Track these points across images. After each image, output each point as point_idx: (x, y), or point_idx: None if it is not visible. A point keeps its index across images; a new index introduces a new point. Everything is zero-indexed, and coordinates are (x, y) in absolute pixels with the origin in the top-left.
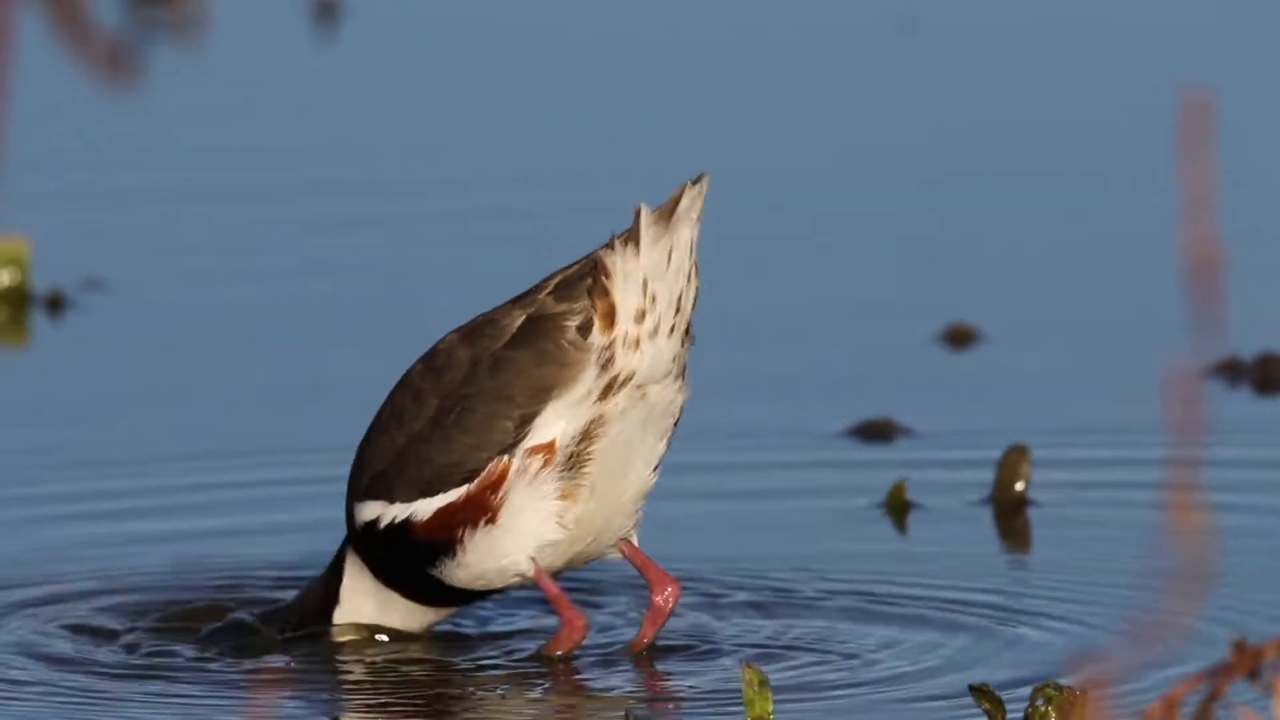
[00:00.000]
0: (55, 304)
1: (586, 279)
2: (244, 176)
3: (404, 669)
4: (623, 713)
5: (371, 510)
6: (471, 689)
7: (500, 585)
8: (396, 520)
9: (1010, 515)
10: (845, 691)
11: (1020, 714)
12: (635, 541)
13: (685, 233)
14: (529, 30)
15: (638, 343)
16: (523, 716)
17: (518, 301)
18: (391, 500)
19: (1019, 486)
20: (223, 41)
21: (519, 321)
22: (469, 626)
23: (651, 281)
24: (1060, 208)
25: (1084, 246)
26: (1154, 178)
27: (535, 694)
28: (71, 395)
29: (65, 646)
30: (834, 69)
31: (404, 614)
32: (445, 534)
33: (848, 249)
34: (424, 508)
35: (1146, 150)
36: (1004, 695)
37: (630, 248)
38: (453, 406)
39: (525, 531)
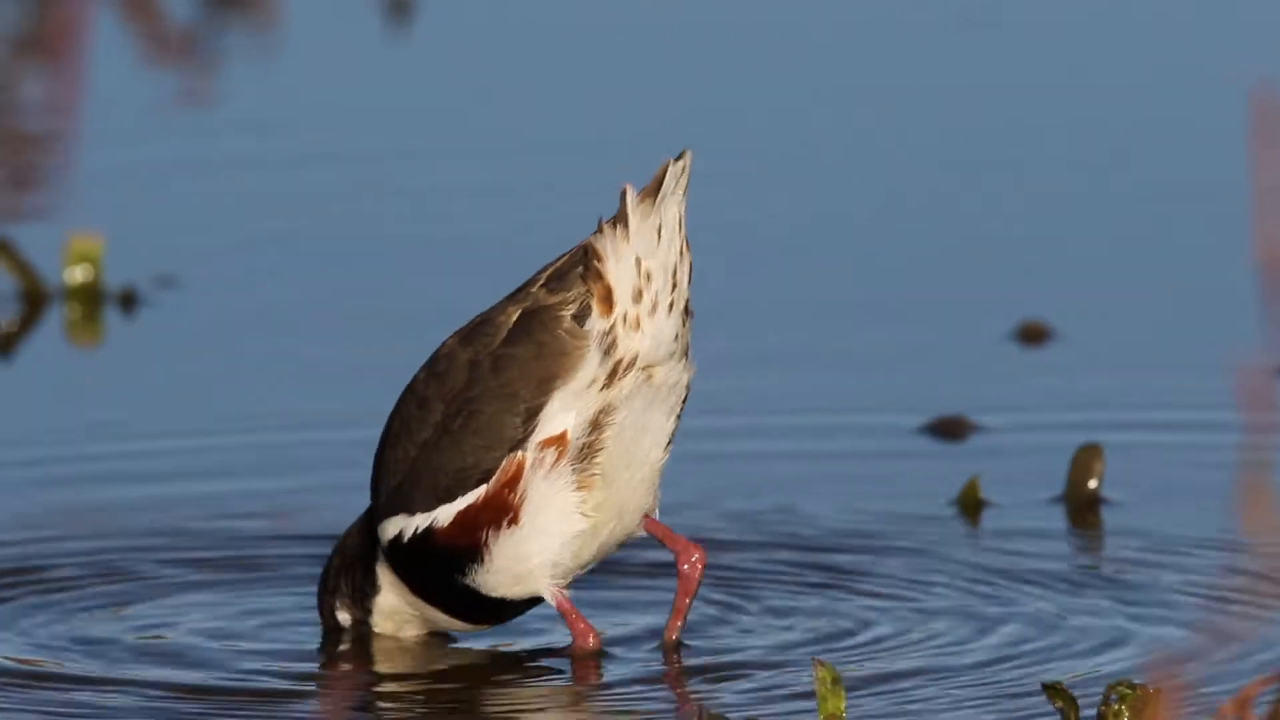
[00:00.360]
0: (128, 301)
1: (578, 267)
2: (316, 174)
3: (435, 690)
4: (696, 710)
5: (394, 526)
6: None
7: (534, 589)
8: (419, 531)
9: (1083, 513)
10: (916, 689)
11: (1093, 712)
12: (655, 514)
13: (673, 209)
14: (601, 29)
15: (638, 323)
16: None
17: (512, 298)
18: (411, 512)
19: (1092, 484)
20: (296, 39)
21: (514, 317)
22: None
23: (645, 259)
24: (1133, 204)
25: (1157, 243)
26: (1227, 175)
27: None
28: (143, 391)
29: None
30: (905, 63)
31: (444, 624)
32: (469, 538)
33: (921, 246)
34: (444, 514)
35: (1220, 147)
36: (1077, 693)
37: (620, 229)
38: (459, 410)
39: (548, 527)
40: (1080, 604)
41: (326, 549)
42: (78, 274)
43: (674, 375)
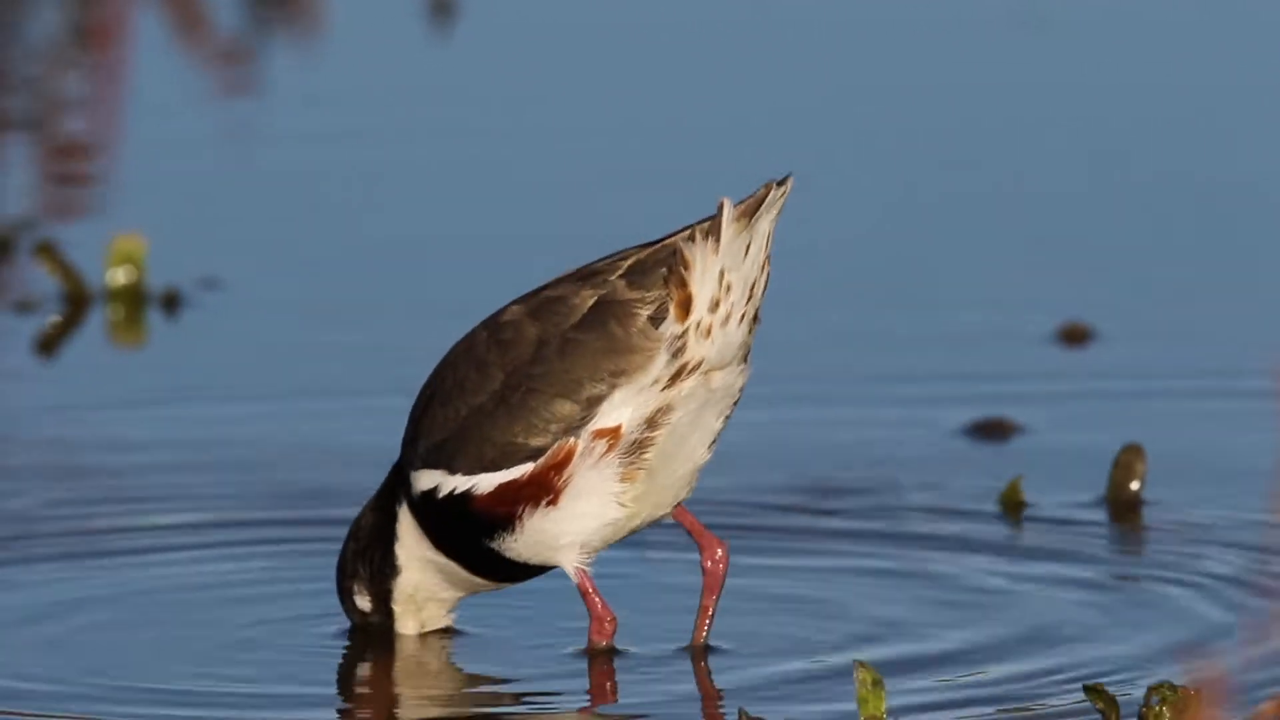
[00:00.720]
0: (171, 302)
1: (661, 267)
2: (360, 175)
3: (457, 682)
4: (736, 710)
5: (430, 479)
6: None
7: (558, 563)
8: (456, 491)
9: (1125, 514)
10: (956, 689)
11: (1135, 713)
12: (685, 507)
13: (764, 226)
14: (641, 27)
15: (709, 331)
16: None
17: (587, 280)
18: (452, 471)
19: (1134, 485)
20: (339, 40)
21: (589, 303)
22: (505, 633)
23: (729, 272)
24: (1176, 206)
25: (1200, 245)
26: (1273, 173)
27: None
28: (187, 392)
29: None
30: (960, 64)
31: (462, 583)
32: (505, 509)
33: (964, 247)
34: (485, 482)
35: (1268, 146)
36: (1118, 694)
37: (711, 241)
38: (519, 384)
39: (585, 512)
40: (1121, 605)
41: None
42: (120, 275)
43: (732, 379)
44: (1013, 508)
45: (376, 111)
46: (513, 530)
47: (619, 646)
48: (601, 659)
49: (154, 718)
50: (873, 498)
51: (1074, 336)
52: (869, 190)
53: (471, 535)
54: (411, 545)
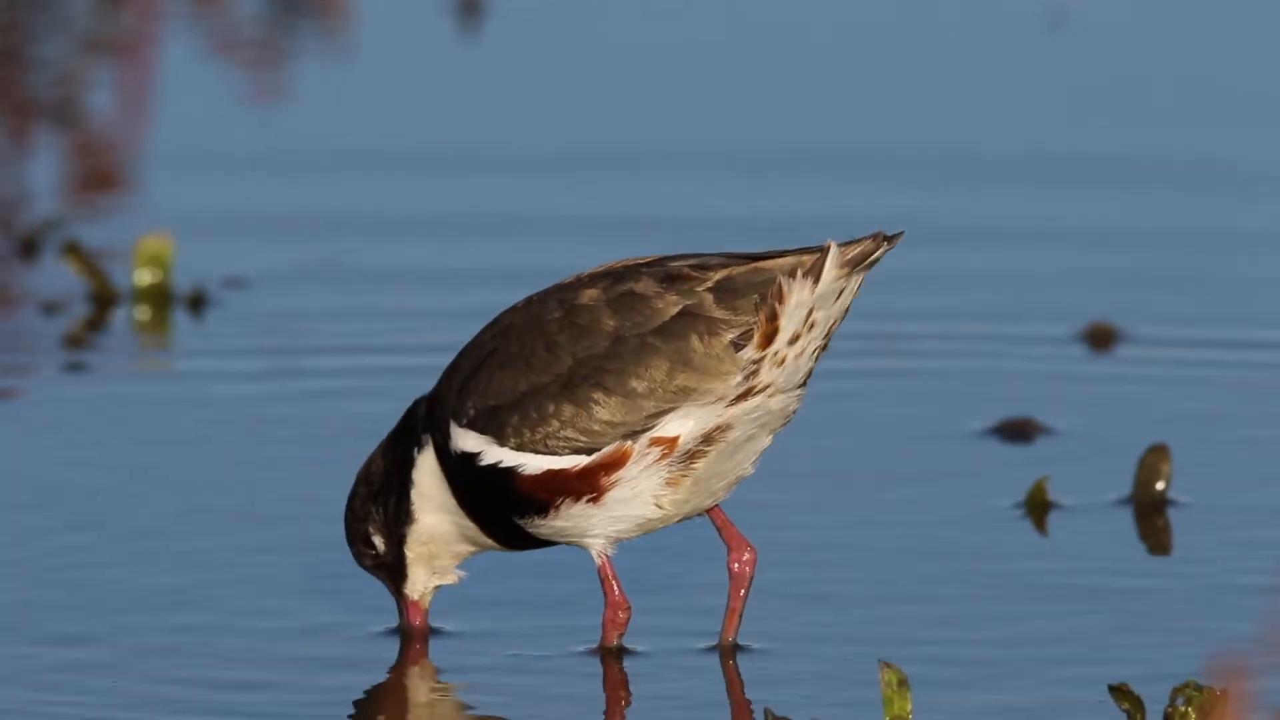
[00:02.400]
0: (196, 302)
1: (753, 291)
2: (386, 174)
3: (477, 668)
4: (763, 710)
5: (475, 443)
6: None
7: (583, 546)
8: (500, 465)
9: (1150, 515)
10: (981, 689)
11: (1160, 713)
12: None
13: (860, 275)
14: (673, 26)
15: (783, 360)
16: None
17: (673, 283)
18: (501, 443)
19: (1159, 486)
20: (367, 40)
21: (673, 310)
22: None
23: (817, 311)
24: (1203, 207)
25: (1226, 246)
26: None
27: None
28: (215, 393)
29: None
30: (980, 65)
31: (475, 540)
32: (545, 495)
33: (989, 248)
34: (534, 464)
35: None
36: (1143, 694)
37: (810, 281)
38: (588, 376)
39: (624, 512)
40: (1147, 606)
41: None
42: (146, 275)
43: (790, 401)
44: (1038, 508)
45: (405, 111)
46: (546, 514)
47: (644, 647)
48: (613, 657)
49: None
50: (898, 498)
51: (1100, 337)
52: (892, 185)
53: (502, 507)
54: (431, 494)
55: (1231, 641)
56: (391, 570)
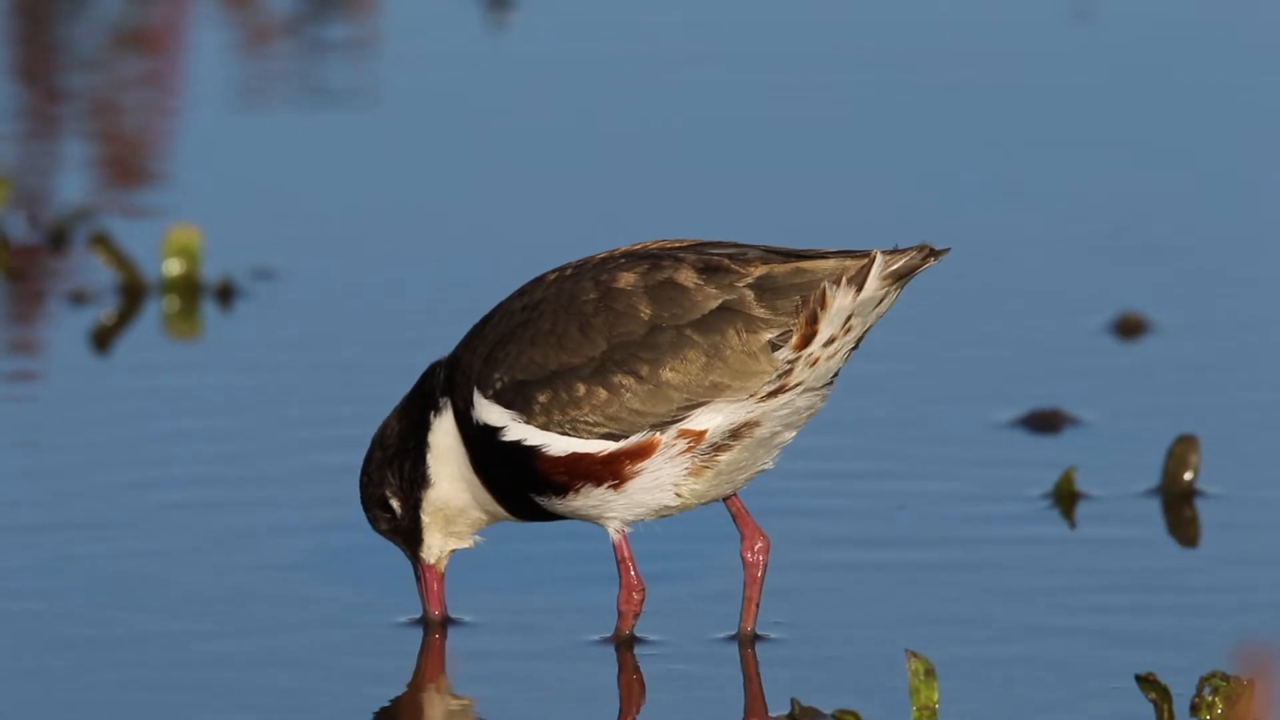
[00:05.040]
0: (225, 294)
1: (795, 292)
2: (413, 164)
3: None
4: (789, 699)
5: (499, 417)
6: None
7: (596, 523)
8: (524, 442)
9: (1179, 505)
10: (1007, 679)
11: (1187, 703)
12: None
13: (902, 285)
14: (703, 22)
15: (816, 361)
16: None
17: (712, 275)
18: (527, 419)
19: (1187, 476)
20: (395, 30)
21: (712, 304)
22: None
23: (855, 317)
24: (1231, 198)
25: (1255, 237)
26: None
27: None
28: (241, 386)
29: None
30: (1010, 55)
31: (490, 509)
32: (566, 477)
33: (1019, 238)
34: (559, 445)
35: None
36: (1170, 684)
37: (853, 289)
38: (622, 363)
39: (644, 500)
40: (1175, 595)
41: None
42: (175, 266)
43: (816, 399)
44: (1066, 499)
45: (432, 99)
46: (565, 495)
47: (662, 637)
48: (627, 647)
49: None
50: (925, 488)
51: (1129, 328)
52: (920, 178)
53: (521, 482)
54: (449, 460)
55: (1259, 631)
56: (407, 535)
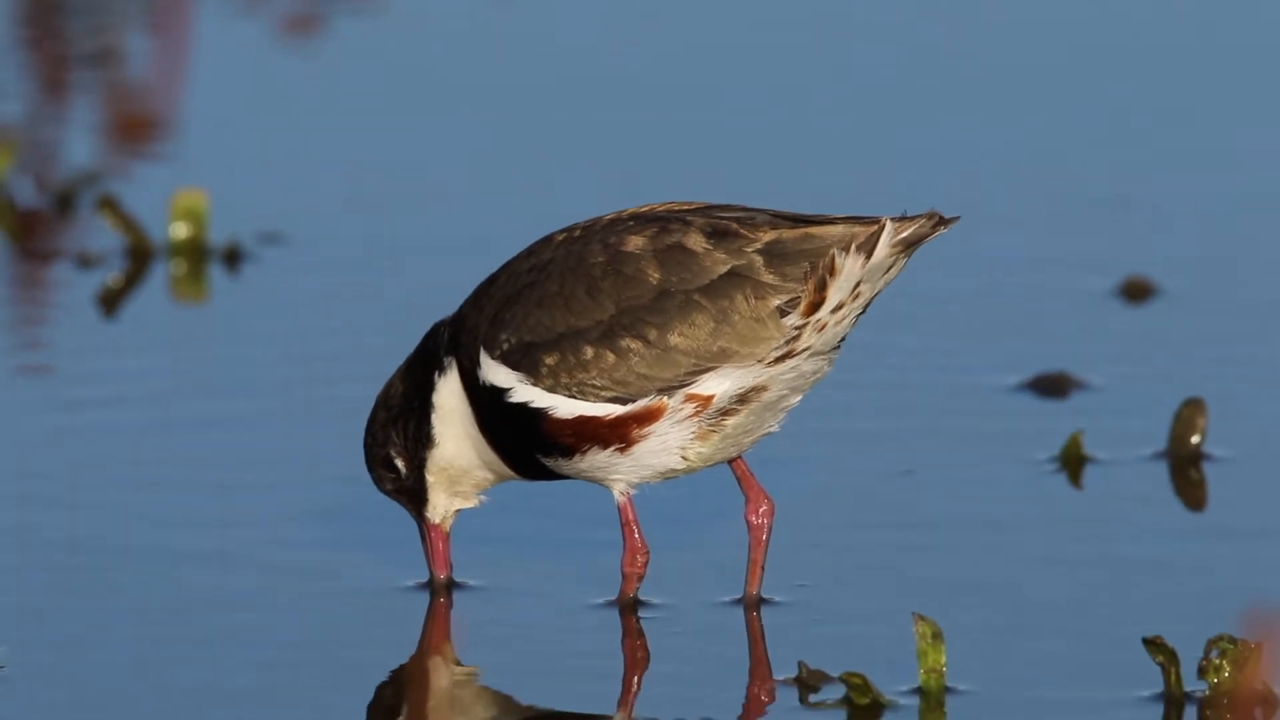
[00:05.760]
0: (232, 257)
1: (804, 259)
2: (420, 131)
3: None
4: (797, 662)
5: (506, 378)
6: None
7: (601, 484)
8: (531, 404)
9: (1185, 468)
10: (1016, 642)
11: (1194, 665)
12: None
13: (911, 252)
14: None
15: (824, 326)
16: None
17: (721, 239)
18: (535, 382)
19: (1194, 440)
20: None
21: (721, 269)
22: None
23: (864, 283)
24: (1238, 161)
25: (1263, 200)
26: None
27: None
28: (247, 350)
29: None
30: (1015, 11)
31: (495, 468)
32: (573, 439)
33: (1026, 203)
34: (566, 408)
35: None
36: (1177, 647)
37: (862, 256)
38: (630, 326)
39: (650, 462)
40: (1182, 559)
41: None
42: (182, 230)
43: (823, 363)
44: (1073, 462)
45: (439, 69)
46: (571, 457)
47: (667, 600)
48: (631, 610)
49: None
50: (932, 452)
51: (1136, 291)
52: (928, 141)
53: (527, 443)
54: (454, 420)
55: (1266, 595)
56: (412, 494)
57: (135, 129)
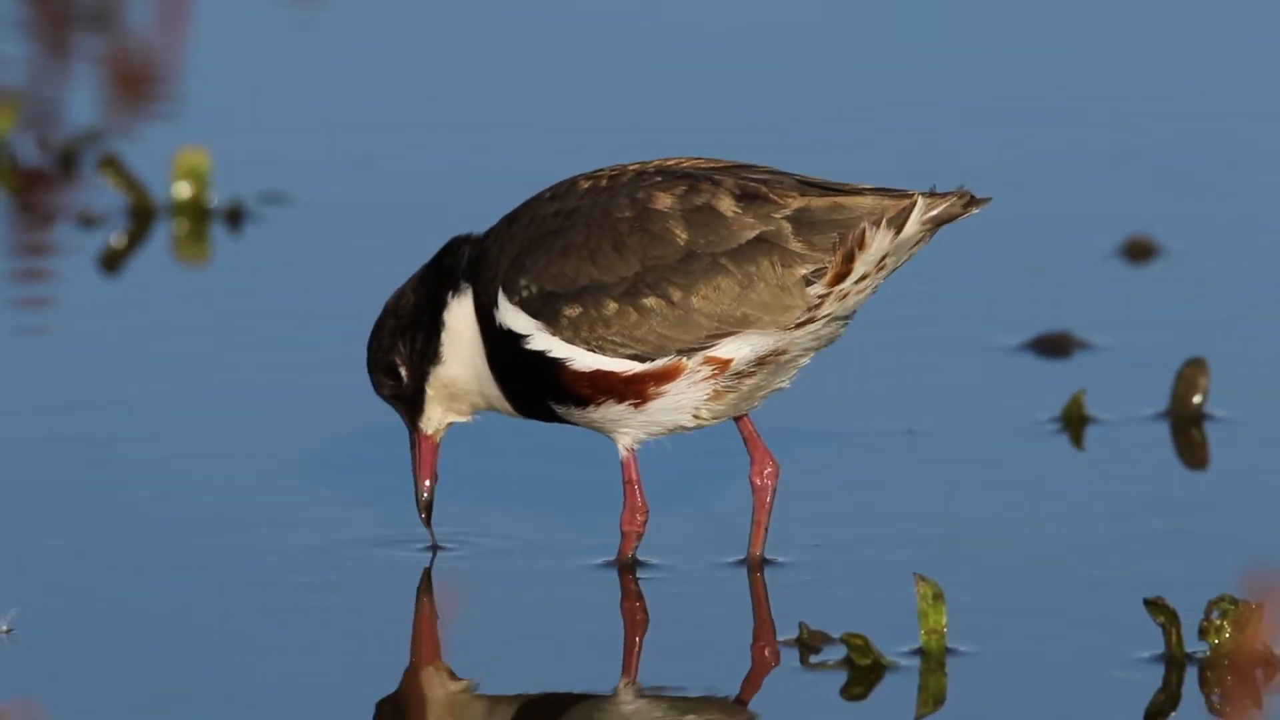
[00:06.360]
0: (234, 217)
1: (833, 229)
2: (425, 90)
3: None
4: (797, 623)
5: (525, 325)
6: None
7: (606, 435)
8: (549, 354)
9: (1187, 429)
10: (1017, 604)
11: (1195, 626)
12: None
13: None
14: None
15: (846, 295)
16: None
17: (750, 202)
18: (554, 332)
19: (1196, 400)
20: None
21: (749, 235)
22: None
23: (890, 257)
24: (1241, 121)
25: (1266, 160)
26: None
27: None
28: (249, 310)
29: None
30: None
31: (494, 400)
32: (588, 391)
33: (1027, 163)
34: (583, 360)
35: None
36: (1178, 608)
37: (892, 231)
38: (655, 285)
39: (661, 419)
40: (1183, 519)
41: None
42: (185, 189)
43: (838, 328)
44: (1075, 422)
45: (443, 27)
46: (585, 407)
47: (669, 561)
48: (629, 571)
49: None
50: (934, 412)
51: (1138, 251)
52: (934, 99)
53: (539, 390)
54: (463, 346)
55: (1267, 555)
56: (409, 403)
57: (137, 88)
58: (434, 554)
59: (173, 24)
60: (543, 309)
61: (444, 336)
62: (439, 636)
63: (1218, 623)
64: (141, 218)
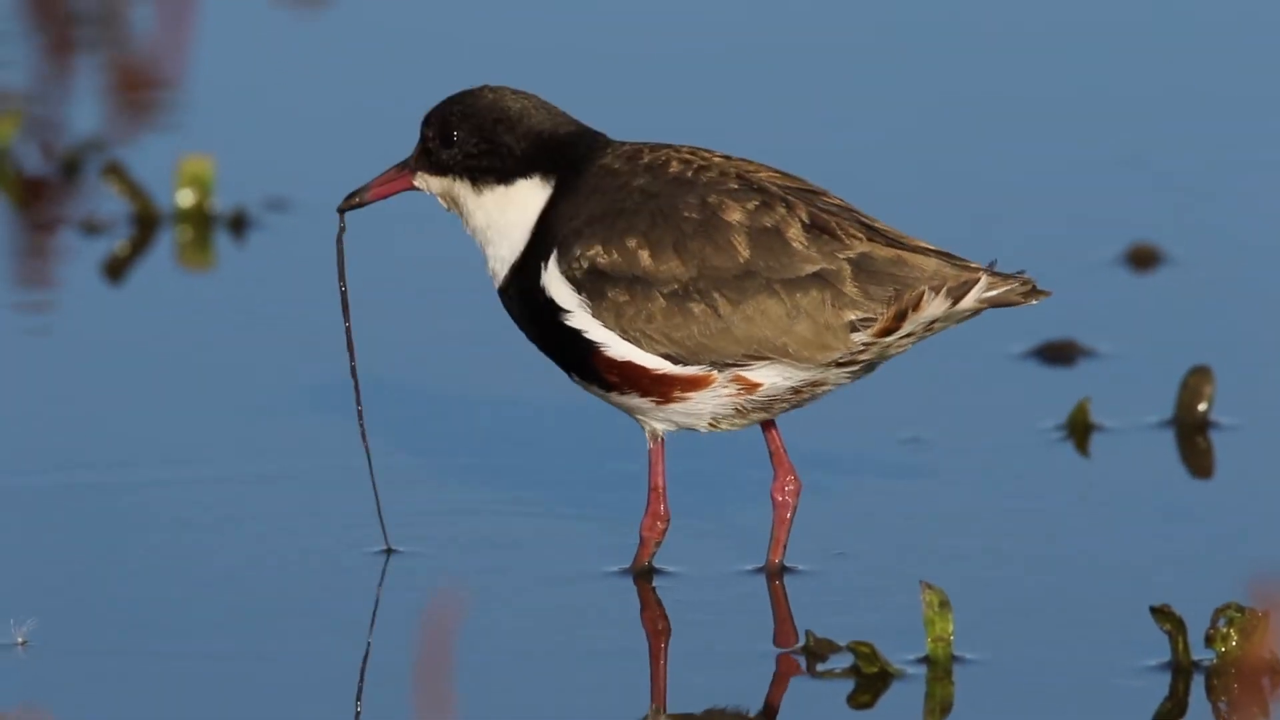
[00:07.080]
0: (238, 224)
1: (894, 283)
2: (428, 95)
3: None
4: (804, 632)
5: (569, 299)
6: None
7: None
8: (586, 333)
9: (1192, 436)
10: (1022, 610)
11: (1201, 634)
12: (776, 423)
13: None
14: None
15: (889, 346)
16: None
17: (818, 235)
18: (595, 314)
19: (1201, 407)
20: None
21: (809, 268)
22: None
23: (939, 321)
24: (1248, 128)
25: (1270, 167)
26: None
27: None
28: (253, 317)
29: None
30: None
31: (484, 247)
32: (616, 378)
33: (1032, 169)
34: (619, 349)
35: None
36: (1184, 616)
37: (949, 301)
38: (705, 292)
39: (680, 421)
40: (1188, 527)
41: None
42: (188, 197)
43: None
44: (1080, 430)
45: (446, 30)
46: (609, 390)
47: (688, 570)
48: (645, 578)
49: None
50: (940, 420)
51: (1143, 259)
52: (937, 109)
53: (566, 356)
54: (507, 224)
55: (1273, 563)
56: (425, 165)
57: (140, 95)
58: (360, 417)
59: (175, 31)
60: (589, 289)
61: (504, 189)
62: (447, 644)
63: (1224, 630)
64: (145, 225)
